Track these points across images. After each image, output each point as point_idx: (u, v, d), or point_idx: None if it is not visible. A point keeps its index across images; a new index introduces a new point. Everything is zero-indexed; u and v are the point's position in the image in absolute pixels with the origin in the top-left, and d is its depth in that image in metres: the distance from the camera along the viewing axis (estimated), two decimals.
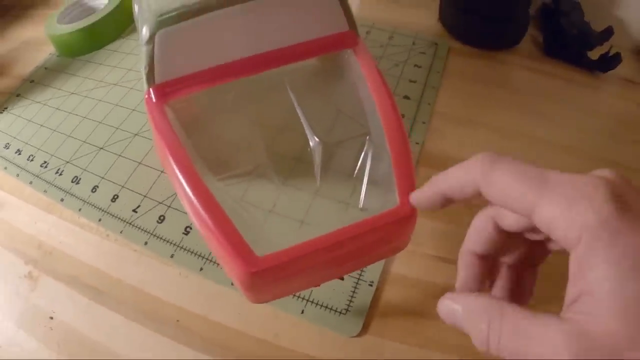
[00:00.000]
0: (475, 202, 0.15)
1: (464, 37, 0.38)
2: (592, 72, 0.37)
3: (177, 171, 0.21)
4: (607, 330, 0.11)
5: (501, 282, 0.18)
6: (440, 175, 0.16)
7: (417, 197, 0.18)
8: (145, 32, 0.24)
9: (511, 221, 0.16)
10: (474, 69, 0.37)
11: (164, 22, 0.24)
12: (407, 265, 0.26)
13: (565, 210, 0.12)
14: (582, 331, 0.11)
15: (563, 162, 0.31)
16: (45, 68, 0.42)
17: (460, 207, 0.28)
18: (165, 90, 0.26)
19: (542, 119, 0.34)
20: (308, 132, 0.26)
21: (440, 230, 0.28)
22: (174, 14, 0.24)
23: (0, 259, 0.30)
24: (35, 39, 0.47)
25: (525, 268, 0.18)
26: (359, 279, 0.25)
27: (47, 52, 0.44)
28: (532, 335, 0.12)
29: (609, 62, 0.36)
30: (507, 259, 0.18)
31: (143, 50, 0.25)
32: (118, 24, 0.43)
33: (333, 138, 0.25)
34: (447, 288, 0.25)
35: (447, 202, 0.16)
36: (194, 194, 0.20)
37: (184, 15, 0.24)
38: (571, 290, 0.12)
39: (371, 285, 0.25)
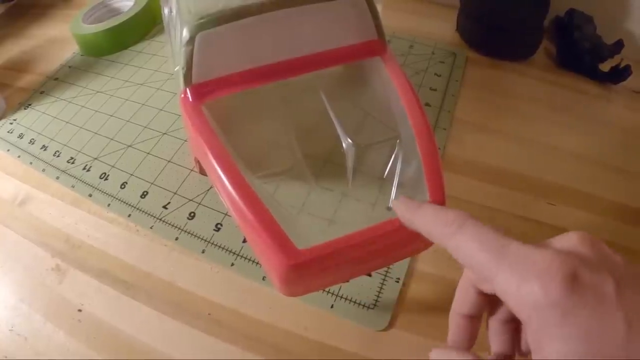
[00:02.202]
0: None
1: (481, 48, 0.40)
2: (603, 83, 0.38)
3: (217, 167, 0.22)
4: None
5: (498, 337, 0.18)
6: (419, 212, 0.17)
7: (399, 211, 0.19)
8: (185, 33, 0.25)
9: (487, 286, 0.16)
10: (491, 79, 0.38)
11: (204, 25, 0.25)
12: (432, 263, 0.27)
13: (517, 287, 0.13)
14: None
15: (574, 170, 0.32)
16: (70, 67, 0.43)
17: (481, 213, 0.29)
18: (202, 90, 0.27)
19: (555, 128, 0.35)
20: (341, 134, 0.27)
21: None
22: (213, 17, 0.25)
23: (26, 252, 0.30)
24: (58, 37, 0.47)
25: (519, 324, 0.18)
26: (385, 275, 0.26)
27: (70, 51, 0.45)
28: None
29: (619, 74, 0.37)
30: (496, 317, 0.18)
31: (181, 51, 0.26)
32: (143, 25, 0.44)
33: (365, 140, 0.26)
34: None
35: (466, 318, 0.18)
36: (235, 188, 0.21)
37: (223, 18, 0.25)
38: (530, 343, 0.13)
39: (397, 282, 0.26)
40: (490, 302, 0.18)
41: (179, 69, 0.29)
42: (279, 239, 0.19)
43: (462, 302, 0.18)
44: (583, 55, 0.38)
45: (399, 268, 0.26)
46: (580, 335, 0.12)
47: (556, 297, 0.12)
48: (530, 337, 0.13)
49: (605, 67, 0.38)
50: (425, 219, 0.17)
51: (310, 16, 0.26)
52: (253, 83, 0.27)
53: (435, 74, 0.37)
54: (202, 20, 0.25)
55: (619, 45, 0.38)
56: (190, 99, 0.27)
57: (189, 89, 0.27)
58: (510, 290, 0.13)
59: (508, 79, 0.38)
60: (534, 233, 0.29)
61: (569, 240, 0.14)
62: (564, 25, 0.40)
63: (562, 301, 0.12)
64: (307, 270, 0.19)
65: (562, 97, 0.37)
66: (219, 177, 0.22)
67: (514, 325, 0.17)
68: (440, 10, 0.45)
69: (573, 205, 0.30)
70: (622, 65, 0.37)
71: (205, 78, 0.27)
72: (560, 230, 0.29)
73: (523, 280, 0.13)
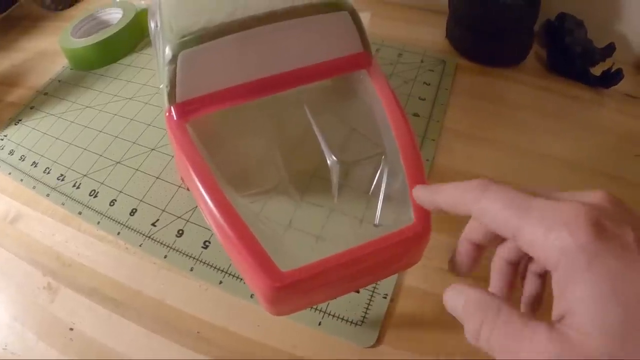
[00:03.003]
0: None
1: (471, 54, 0.40)
2: (595, 88, 0.38)
3: (200, 188, 0.22)
4: (588, 345, 0.12)
5: (499, 275, 0.20)
6: (441, 189, 0.18)
7: (419, 198, 0.20)
8: (168, 52, 0.25)
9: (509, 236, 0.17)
10: (481, 86, 0.38)
11: (186, 43, 0.25)
12: (421, 279, 0.27)
13: (544, 235, 0.13)
14: (566, 340, 0.12)
15: (566, 177, 0.32)
16: (59, 81, 0.43)
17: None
18: (186, 108, 0.27)
19: (546, 135, 0.35)
20: (325, 150, 0.27)
21: (452, 244, 0.29)
22: (196, 35, 0.25)
23: (18, 270, 0.31)
24: (49, 50, 0.47)
25: (530, 276, 0.20)
26: (373, 291, 0.26)
27: (60, 64, 0.45)
28: (521, 337, 0.13)
29: (611, 78, 0.37)
30: (501, 256, 0.19)
31: (165, 70, 0.26)
32: (132, 38, 0.44)
33: (350, 157, 0.26)
34: None
35: (442, 212, 0.18)
36: (218, 210, 0.21)
37: (205, 36, 0.25)
38: (556, 310, 0.13)
39: (385, 298, 0.26)
40: (498, 239, 0.18)
41: (163, 86, 0.29)
42: (263, 262, 0.19)
43: (474, 230, 0.19)
44: (574, 59, 0.38)
45: (386, 284, 0.26)
46: (606, 279, 0.12)
47: (584, 241, 0.12)
48: (555, 284, 0.13)
49: (597, 71, 0.37)
50: (448, 192, 0.17)
51: (294, 31, 0.26)
52: (238, 100, 0.27)
53: (425, 82, 0.37)
54: (184, 39, 0.25)
55: (610, 49, 0.38)
56: (175, 118, 0.27)
57: (173, 108, 0.27)
58: (537, 240, 0.13)
59: (498, 85, 0.38)
60: None
61: (591, 196, 0.14)
62: (554, 29, 0.40)
63: (589, 246, 0.12)
64: (292, 291, 0.19)
65: (553, 102, 0.37)
66: (203, 198, 0.22)
67: (515, 268, 0.19)
68: (429, 16, 0.45)
69: None
70: (614, 69, 0.37)
71: (189, 96, 0.27)
72: None
73: (550, 229, 0.13)
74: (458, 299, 0.16)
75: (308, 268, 0.19)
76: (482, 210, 0.15)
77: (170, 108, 0.27)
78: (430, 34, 0.42)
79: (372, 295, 0.26)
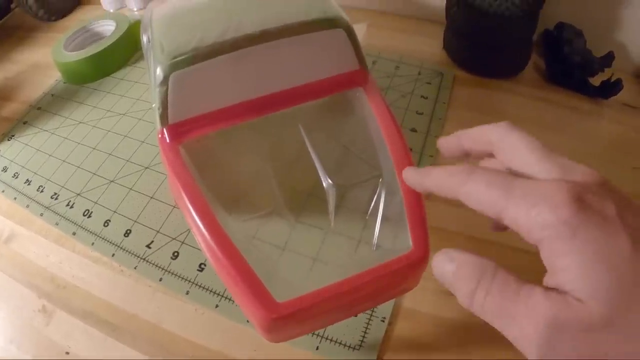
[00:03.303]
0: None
1: (468, 66, 0.39)
2: (594, 98, 0.38)
3: (195, 216, 0.22)
4: (583, 309, 0.12)
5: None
6: (430, 172, 0.18)
7: (408, 180, 0.21)
8: (159, 73, 0.25)
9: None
10: (479, 99, 0.37)
11: (177, 64, 0.25)
12: (418, 301, 0.27)
13: (527, 213, 0.14)
14: (563, 301, 0.13)
15: None
16: (52, 95, 0.43)
17: (470, 244, 0.29)
18: (179, 130, 0.26)
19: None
20: (321, 173, 0.26)
21: None
22: (187, 56, 0.25)
23: (13, 292, 0.30)
24: (42, 62, 0.47)
25: None
26: (371, 315, 0.26)
27: (53, 77, 0.44)
28: (516, 299, 0.13)
29: (610, 89, 0.37)
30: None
31: (156, 91, 0.26)
32: (125, 51, 0.43)
33: (346, 180, 0.26)
34: (457, 322, 0.26)
35: (431, 195, 0.19)
36: (213, 239, 0.21)
37: (197, 57, 0.25)
38: (547, 281, 0.14)
39: (383, 321, 0.26)
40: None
41: (155, 107, 0.28)
42: (258, 292, 0.19)
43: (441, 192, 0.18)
44: (573, 70, 0.37)
45: (384, 307, 0.26)
46: (591, 247, 0.13)
47: (565, 215, 0.13)
48: (544, 260, 0.14)
49: (596, 81, 0.37)
50: (436, 176, 0.18)
51: (288, 50, 0.26)
52: (232, 120, 0.26)
53: (422, 96, 0.36)
54: (175, 60, 0.25)
55: (609, 58, 0.38)
56: (168, 140, 0.26)
57: (166, 130, 0.26)
58: (520, 218, 0.14)
59: (496, 97, 0.38)
60: (529, 264, 0.28)
61: (575, 172, 0.15)
62: (553, 39, 0.40)
63: (571, 219, 0.13)
64: (289, 322, 0.19)
65: (552, 114, 0.37)
66: (197, 226, 0.22)
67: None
68: (426, 26, 0.44)
69: None
70: (613, 79, 0.36)
71: (181, 118, 0.26)
72: None
73: (532, 206, 0.13)
74: (449, 264, 0.16)
75: (305, 298, 0.19)
76: (467, 194, 0.15)
77: (162, 130, 0.26)
78: (427, 44, 0.42)
79: (369, 319, 0.26)
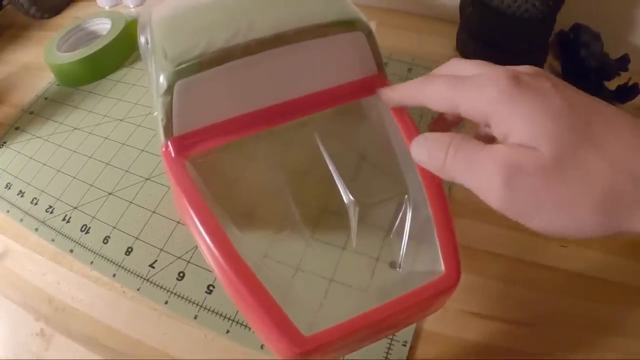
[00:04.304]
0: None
1: None
2: (610, 102, 0.36)
3: (209, 242, 0.20)
4: (535, 152, 0.14)
5: None
6: (398, 86, 0.22)
7: (381, 98, 0.24)
8: (162, 81, 0.23)
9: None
10: None
11: (183, 71, 0.23)
12: (440, 323, 0.25)
13: (477, 95, 0.16)
14: (518, 148, 0.15)
15: None
16: (45, 98, 0.40)
17: (494, 260, 0.28)
18: (185, 142, 0.24)
19: None
20: (341, 188, 0.25)
21: (470, 284, 0.27)
22: (193, 62, 0.23)
23: (8, 313, 0.28)
24: (34, 63, 0.44)
25: None
26: (392, 339, 0.25)
27: (46, 79, 0.42)
28: (481, 152, 0.15)
29: (627, 93, 0.35)
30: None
31: (159, 101, 0.24)
32: (121, 52, 0.41)
33: (370, 198, 0.24)
34: (482, 345, 0.25)
35: (403, 106, 0.23)
36: (230, 268, 0.19)
37: (204, 64, 0.23)
38: (497, 139, 0.16)
39: (405, 345, 0.24)
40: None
41: (157, 116, 0.26)
42: (283, 326, 0.18)
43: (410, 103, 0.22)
44: (589, 73, 0.36)
45: (406, 331, 0.25)
46: (532, 106, 0.15)
47: (504, 87, 0.15)
48: (494, 130, 0.16)
49: (612, 84, 0.36)
50: (402, 87, 0.22)
51: (303, 54, 0.24)
52: (243, 131, 0.25)
53: None
54: (180, 67, 0.23)
55: (624, 61, 0.36)
56: (173, 154, 0.24)
57: (170, 143, 0.24)
58: (472, 103, 0.16)
59: None
60: (546, 278, 0.27)
61: (513, 68, 0.17)
62: (569, 40, 0.38)
63: (510, 90, 0.15)
64: (314, 355, 0.18)
65: None
66: (212, 254, 0.20)
67: None
68: (438, 25, 0.42)
69: (584, 245, 0.28)
70: (630, 83, 0.35)
71: (187, 129, 0.24)
72: (571, 273, 0.27)
73: (479, 87, 0.16)
74: (424, 143, 0.18)
75: (333, 331, 0.18)
76: (428, 95, 0.18)
77: (167, 143, 0.24)
78: (439, 44, 0.40)
79: (390, 343, 0.24)
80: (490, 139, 0.20)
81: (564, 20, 0.38)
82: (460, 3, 0.38)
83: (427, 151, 0.18)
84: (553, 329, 0.25)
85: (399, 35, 0.41)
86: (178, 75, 0.23)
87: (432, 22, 0.43)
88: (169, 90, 0.23)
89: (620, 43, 0.37)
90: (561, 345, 0.24)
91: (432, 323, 0.26)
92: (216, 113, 0.24)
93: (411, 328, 0.25)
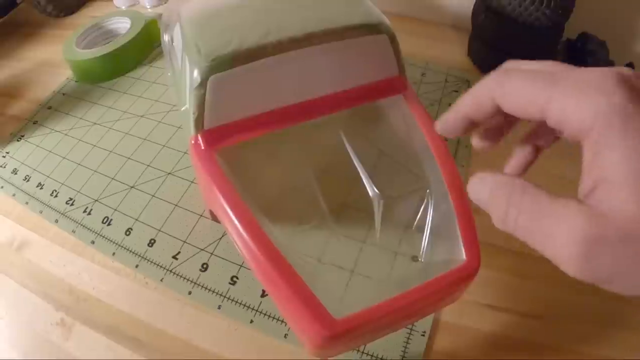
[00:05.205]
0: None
1: None
2: None
3: (239, 227, 0.21)
4: (625, 214, 0.11)
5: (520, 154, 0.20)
6: (460, 99, 0.17)
7: (442, 126, 0.19)
8: (196, 76, 0.24)
9: (513, 107, 0.15)
10: None
11: (216, 67, 0.24)
12: (457, 314, 0.26)
13: (576, 100, 0.12)
14: (600, 214, 0.11)
15: None
16: (63, 94, 0.41)
17: (508, 255, 0.29)
18: (215, 136, 0.25)
19: (567, 160, 0.34)
20: (367, 182, 0.26)
21: (488, 278, 0.28)
22: (227, 58, 0.24)
23: (27, 303, 0.29)
24: (50, 60, 0.45)
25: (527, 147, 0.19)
26: (411, 329, 0.25)
27: (63, 75, 0.43)
28: (550, 214, 0.12)
29: None
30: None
31: (192, 95, 0.24)
32: (141, 50, 0.42)
33: (394, 191, 0.25)
34: (496, 336, 0.26)
35: (470, 125, 0.17)
36: (261, 252, 0.20)
37: (237, 60, 0.24)
38: (586, 182, 0.12)
39: (423, 335, 0.25)
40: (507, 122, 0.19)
41: (186, 109, 0.27)
42: (314, 308, 0.18)
43: (474, 107, 0.16)
44: None
45: (424, 321, 0.26)
46: None
47: (618, 101, 0.12)
48: (588, 152, 0.12)
49: None
50: (465, 98, 0.16)
51: (330, 54, 0.25)
52: (270, 127, 0.25)
53: (450, 104, 0.36)
54: (214, 62, 0.23)
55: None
56: (203, 146, 0.25)
57: (201, 136, 0.25)
58: (568, 108, 0.12)
59: None
60: (556, 273, 0.28)
61: (616, 68, 0.13)
62: (576, 49, 0.40)
63: (625, 105, 0.12)
64: (343, 338, 0.19)
65: None
66: (243, 239, 0.21)
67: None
68: (449, 32, 0.44)
69: None
70: None
71: (218, 123, 0.25)
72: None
73: (581, 93, 0.12)
74: (483, 187, 0.15)
75: (362, 315, 0.19)
76: (506, 94, 0.14)
77: (197, 136, 0.25)
78: (451, 51, 0.41)
79: (410, 333, 0.25)
80: (509, 125, 0.19)
81: (571, 30, 0.40)
82: (473, 11, 0.39)
83: (487, 201, 0.14)
84: (561, 322, 0.26)
85: (411, 42, 0.42)
86: (212, 70, 0.23)
87: (442, 28, 0.45)
88: (203, 84, 0.24)
89: (625, 51, 0.39)
90: (569, 338, 0.25)
91: (449, 314, 0.26)
92: (245, 108, 0.25)
93: (429, 319, 0.26)
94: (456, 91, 0.37)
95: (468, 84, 0.38)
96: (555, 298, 0.27)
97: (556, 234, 0.12)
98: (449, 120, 0.18)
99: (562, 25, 0.37)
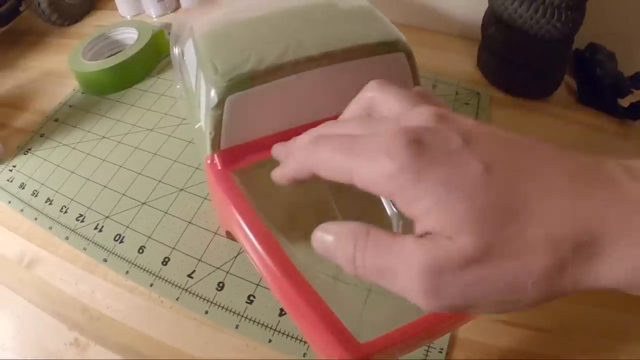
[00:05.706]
0: None
1: (502, 85, 0.39)
2: (623, 120, 0.38)
3: (260, 249, 0.21)
4: (455, 245, 0.12)
5: None
6: (281, 165, 0.18)
7: (275, 180, 0.19)
8: (213, 96, 0.24)
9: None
10: (514, 120, 0.37)
11: (234, 86, 0.23)
12: (472, 330, 0.26)
13: (369, 168, 0.13)
14: (435, 246, 0.12)
15: None
16: (70, 106, 0.40)
17: None
18: (232, 156, 0.25)
19: None
20: (385, 202, 0.25)
21: None
22: (244, 77, 0.24)
23: (39, 322, 0.28)
24: (55, 70, 0.44)
25: None
26: (429, 346, 0.25)
27: (68, 86, 0.42)
28: (390, 253, 0.13)
29: (639, 110, 0.37)
30: None
31: (208, 114, 0.24)
32: (149, 62, 0.41)
33: None
34: (510, 350, 0.26)
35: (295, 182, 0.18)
36: (282, 273, 0.20)
37: (255, 80, 0.24)
38: (417, 230, 0.13)
39: (441, 352, 0.25)
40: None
41: (201, 127, 0.27)
42: (340, 334, 0.18)
43: (296, 174, 0.17)
44: (604, 91, 0.38)
45: (442, 337, 0.26)
46: (440, 185, 0.12)
47: (404, 160, 0.12)
48: (403, 211, 0.13)
49: (626, 101, 0.37)
50: (288, 165, 0.17)
51: (347, 73, 0.25)
52: None
53: None
54: (232, 82, 0.23)
55: (637, 79, 0.38)
56: (219, 166, 0.25)
57: (218, 156, 0.25)
58: (365, 175, 0.13)
59: (531, 118, 0.38)
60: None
61: (414, 116, 0.14)
62: (584, 59, 0.40)
63: (411, 163, 0.12)
64: None
65: (582, 136, 0.37)
66: (263, 261, 0.21)
67: None
68: (457, 43, 0.44)
69: None
70: None
71: (235, 143, 0.25)
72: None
73: (372, 160, 0.13)
74: (327, 237, 0.15)
75: (386, 338, 0.19)
76: (317, 165, 0.15)
77: (213, 156, 0.25)
78: (460, 62, 0.41)
79: (427, 350, 0.25)
80: None
81: (580, 40, 0.40)
82: (483, 22, 0.39)
83: (333, 251, 0.15)
84: (575, 335, 0.26)
85: (420, 52, 0.42)
86: (229, 90, 0.23)
87: (451, 39, 0.45)
88: (220, 104, 0.24)
89: (634, 62, 0.39)
90: (584, 351, 0.25)
91: (465, 330, 0.26)
92: (263, 127, 0.25)
93: (447, 335, 0.26)
94: (467, 103, 0.37)
95: (479, 97, 0.38)
96: (568, 312, 0.27)
97: (399, 270, 0.13)
98: (278, 181, 0.18)
99: (572, 38, 0.37)
